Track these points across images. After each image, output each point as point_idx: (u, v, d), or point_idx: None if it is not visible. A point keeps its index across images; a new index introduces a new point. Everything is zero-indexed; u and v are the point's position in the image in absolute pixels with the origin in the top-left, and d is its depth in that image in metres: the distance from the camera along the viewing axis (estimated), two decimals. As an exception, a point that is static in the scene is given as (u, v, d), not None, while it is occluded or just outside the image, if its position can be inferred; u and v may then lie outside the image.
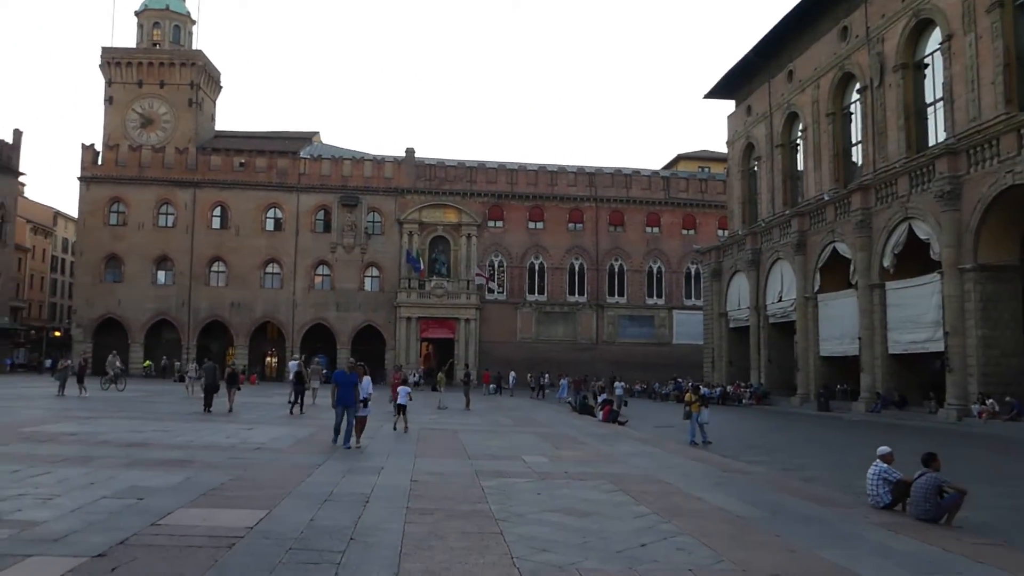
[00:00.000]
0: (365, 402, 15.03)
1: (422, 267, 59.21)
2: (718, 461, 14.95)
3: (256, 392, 37.07)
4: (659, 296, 63.14)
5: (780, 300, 41.72)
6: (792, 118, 43.50)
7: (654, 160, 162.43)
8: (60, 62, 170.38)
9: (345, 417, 14.64)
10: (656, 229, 63.38)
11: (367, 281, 60.57)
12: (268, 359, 61.63)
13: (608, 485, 11.07)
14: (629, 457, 14.99)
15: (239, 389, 25.51)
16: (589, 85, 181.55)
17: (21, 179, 67.48)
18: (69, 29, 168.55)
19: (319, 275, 60.46)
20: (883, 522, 9.01)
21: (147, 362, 57.49)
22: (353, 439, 14.67)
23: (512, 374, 48.75)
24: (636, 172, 64.86)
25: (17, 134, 65.15)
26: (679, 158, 74.89)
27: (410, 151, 62.14)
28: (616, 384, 33.74)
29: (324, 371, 33.00)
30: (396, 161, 61.93)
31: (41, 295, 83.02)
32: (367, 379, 15.34)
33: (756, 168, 48.11)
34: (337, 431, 14.83)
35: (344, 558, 6.45)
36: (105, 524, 7.35)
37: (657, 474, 12.54)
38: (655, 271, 63.25)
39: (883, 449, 10.37)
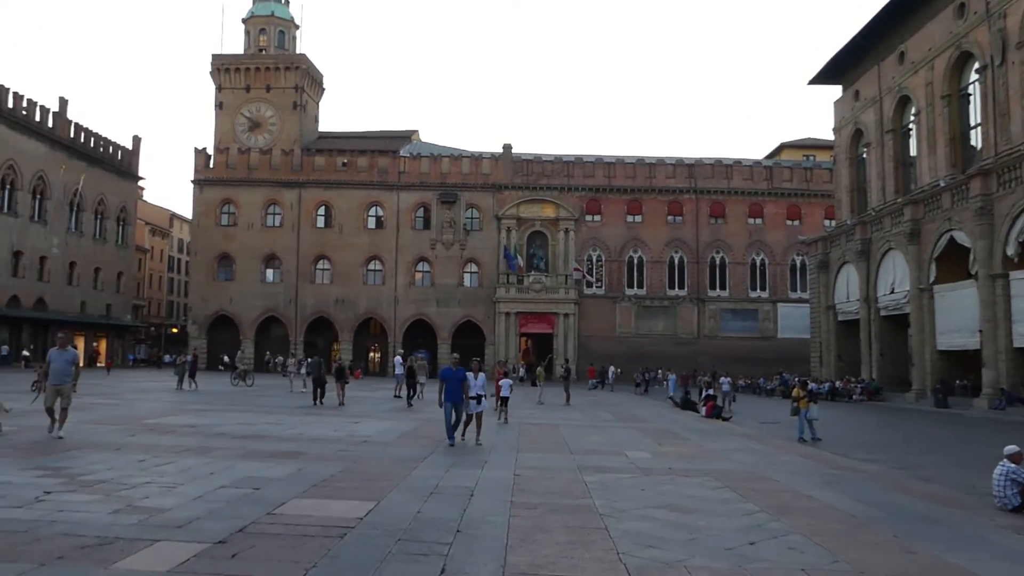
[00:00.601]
0: (479, 398, 14.75)
1: (520, 264, 59.51)
2: (828, 459, 14.47)
3: (360, 387, 38.06)
4: (763, 289, 61.54)
5: (892, 292, 39.98)
6: (904, 102, 41.58)
7: (756, 150, 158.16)
8: (174, 70, 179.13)
9: (453, 413, 14.26)
10: (759, 220, 61.77)
11: (466, 277, 61.33)
12: (371, 354, 63.23)
13: (713, 482, 10.87)
14: (734, 453, 14.68)
15: (347, 383, 26.35)
16: (688, 75, 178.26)
17: (140, 183, 71.39)
18: (182, 39, 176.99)
19: (419, 271, 61.59)
20: (1011, 525, 8.52)
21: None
22: (458, 435, 14.41)
23: (612, 369, 48.44)
24: (737, 162, 63.37)
25: (136, 140, 68.93)
26: (782, 147, 72.71)
27: (507, 147, 62.50)
28: (723, 379, 33.03)
29: (427, 366, 33.83)
30: (494, 157, 62.41)
31: (159, 294, 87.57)
32: (482, 375, 15.02)
33: (865, 155, 46.23)
34: (450, 432, 14.30)
35: (451, 550, 6.55)
36: (224, 512, 7.69)
37: (764, 471, 12.24)
38: (758, 263, 61.66)
39: (1011, 448, 9.80)
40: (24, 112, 53.76)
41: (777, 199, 61.83)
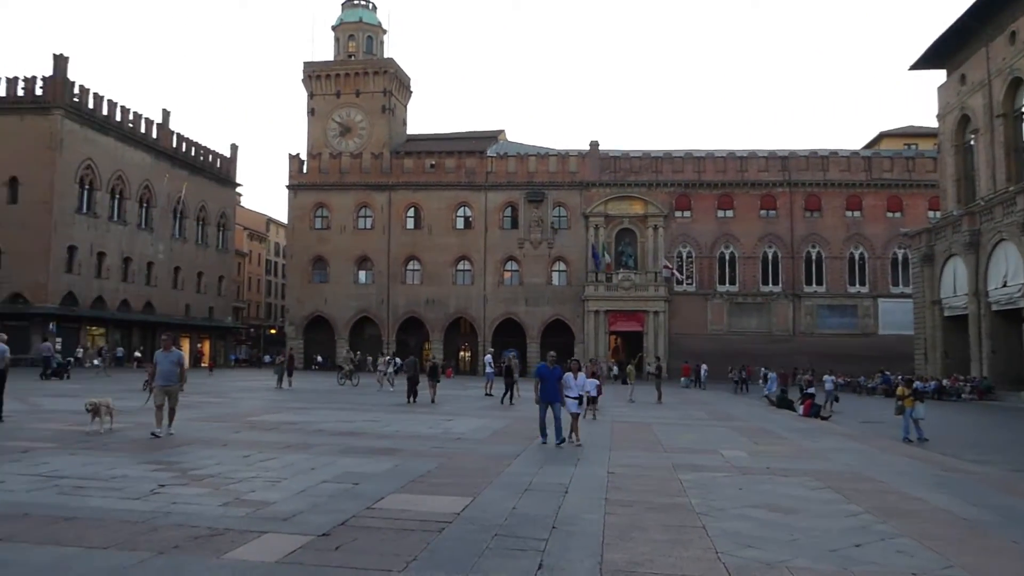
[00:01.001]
0: (581, 399, 14.48)
1: (607, 261, 59.16)
2: (937, 460, 13.87)
3: (451, 385, 38.55)
4: (862, 284, 59.42)
5: (1005, 285, 37.96)
6: (1016, 84, 39.43)
7: (853, 140, 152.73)
8: (268, 79, 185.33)
9: (550, 412, 14.00)
10: (857, 213, 59.68)
11: (555, 275, 61.36)
12: (462, 353, 63.96)
13: (814, 482, 10.58)
14: (835, 453, 14.24)
15: (439, 381, 26.82)
16: (781, 65, 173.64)
17: (238, 190, 74.14)
18: (275, 49, 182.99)
19: (508, 271, 61.95)
20: None
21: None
22: (554, 434, 13.93)
23: (704, 367, 47.65)
24: (834, 153, 61.37)
25: (234, 148, 71.66)
26: (881, 136, 70.05)
27: (594, 144, 62.22)
28: (826, 378, 32.00)
29: (519, 365, 34.03)
30: (580, 155, 62.24)
31: (258, 296, 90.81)
32: (582, 375, 14.75)
33: (972, 142, 44.04)
34: (543, 429, 14.17)
35: (547, 546, 6.59)
36: (327, 506, 7.93)
37: (868, 472, 11.83)
38: (857, 257, 59.58)
39: None
40: (131, 125, 56.60)
41: (877, 190, 59.60)
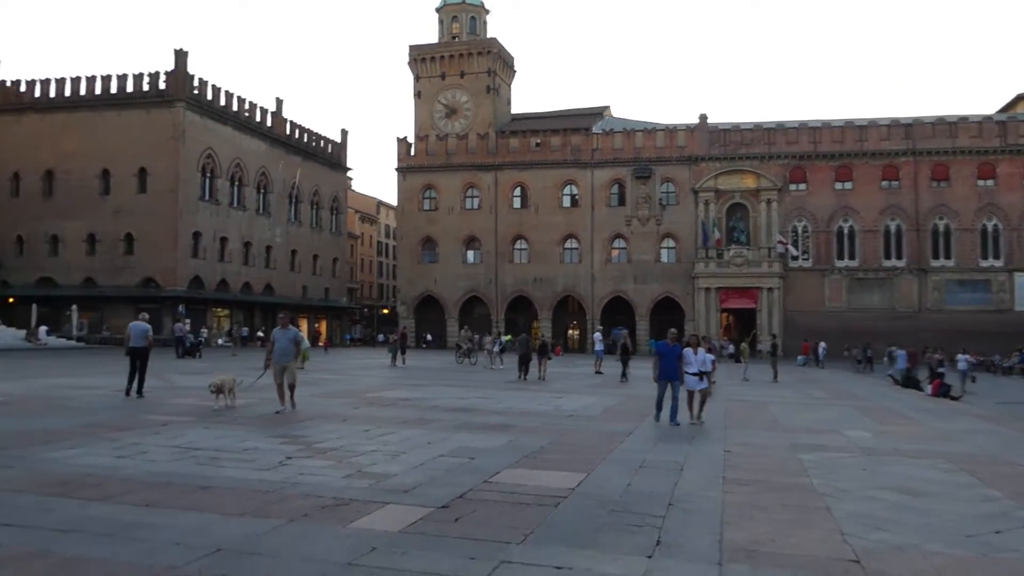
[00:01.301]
0: (702, 375, 14.02)
1: (718, 236, 57.85)
2: (1084, 443, 12.99)
3: (561, 363, 38.70)
4: (995, 257, 55.94)
5: None
6: None
7: (985, 104, 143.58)
8: (375, 64, 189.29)
9: (669, 391, 13.62)
10: (990, 182, 56.12)
11: (663, 252, 60.49)
12: (570, 331, 64.04)
13: (946, 464, 10.10)
14: (969, 435, 13.54)
15: (550, 359, 27.04)
16: (902, 27, 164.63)
17: (349, 174, 76.27)
18: (381, 34, 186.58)
19: (616, 248, 61.48)
20: None
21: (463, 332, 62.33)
22: (668, 413, 13.57)
23: (822, 345, 46.04)
24: (963, 119, 57.84)
25: (344, 133, 73.68)
26: (1018, 99, 65.46)
27: (703, 117, 60.76)
28: (959, 357, 30.37)
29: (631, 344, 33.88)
30: (689, 129, 60.93)
31: (370, 277, 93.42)
32: (702, 351, 14.33)
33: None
34: (659, 406, 13.76)
35: (665, 523, 6.56)
36: (445, 479, 8.14)
37: (1007, 455, 11.20)
38: (990, 229, 56.09)
39: None
40: (247, 114, 58.99)
41: (1013, 157, 55.83)
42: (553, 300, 62.32)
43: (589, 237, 61.28)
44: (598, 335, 31.75)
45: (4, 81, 56.32)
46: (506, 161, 63.25)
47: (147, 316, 17.51)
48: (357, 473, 8.35)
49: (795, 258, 57.56)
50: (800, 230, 58.22)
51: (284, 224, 63.38)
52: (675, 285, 59.56)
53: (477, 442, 10.85)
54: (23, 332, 46.48)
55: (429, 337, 62.69)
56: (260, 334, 53.88)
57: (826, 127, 58.77)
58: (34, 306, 50.30)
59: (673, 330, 14.41)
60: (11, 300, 53.16)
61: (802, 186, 58.35)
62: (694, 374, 13.97)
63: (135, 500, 6.80)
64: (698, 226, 58.75)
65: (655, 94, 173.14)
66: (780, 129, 59.28)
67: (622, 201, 61.10)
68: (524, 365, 25.55)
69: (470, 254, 64.39)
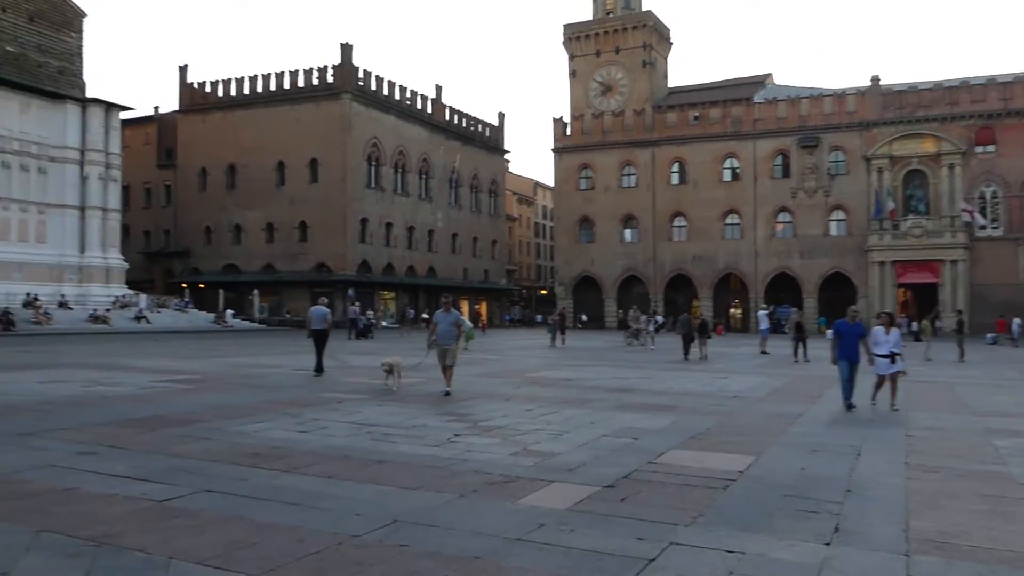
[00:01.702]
0: (892, 357, 12.54)
1: (893, 206, 54.30)
2: None
3: (723, 343, 37.76)
4: None
5: None
6: None
7: None
8: (529, 47, 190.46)
9: (849, 373, 12.53)
10: None
11: (832, 225, 57.58)
12: (732, 310, 62.31)
13: None
14: None
15: (710, 338, 26.51)
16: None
17: (506, 156, 77.33)
18: (535, 16, 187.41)
19: (780, 222, 59.13)
20: None
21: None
22: (844, 395, 12.63)
23: (1017, 322, 42.36)
24: None
25: (501, 117, 74.69)
26: None
27: (875, 79, 57.08)
28: None
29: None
30: (859, 92, 57.43)
31: (528, 258, 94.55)
32: (895, 331, 12.81)
33: None
34: (846, 390, 12.58)
35: (843, 509, 6.26)
36: (609, 459, 8.13)
37: None
38: None
39: None
40: (408, 102, 61.00)
41: None
42: (714, 278, 60.79)
43: (751, 212, 59.23)
44: (763, 313, 30.65)
45: (191, 84, 61.02)
46: (663, 136, 62.10)
47: (326, 300, 18.92)
48: (523, 451, 8.50)
49: (983, 227, 53.16)
50: (988, 196, 53.69)
51: (445, 208, 65.22)
52: (846, 259, 56.55)
53: (640, 422, 10.77)
54: (212, 315, 50.51)
55: (584, 317, 62.78)
56: (425, 315, 55.93)
57: (1018, 81, 53.67)
58: (221, 291, 54.62)
59: (854, 307, 13.31)
60: (201, 286, 57.88)
61: (990, 148, 53.68)
62: (885, 356, 12.57)
63: (317, 472, 7.24)
64: (871, 196, 55.40)
65: (821, 58, 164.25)
66: (964, 87, 54.74)
67: (786, 173, 58.59)
68: (686, 345, 25.18)
69: (627, 233, 63.84)
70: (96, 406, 11.70)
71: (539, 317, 72.95)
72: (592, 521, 5.75)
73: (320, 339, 17.36)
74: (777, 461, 8.22)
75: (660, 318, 36.60)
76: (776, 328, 38.18)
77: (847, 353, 12.58)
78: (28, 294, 42.44)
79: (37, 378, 15.84)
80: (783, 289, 57.90)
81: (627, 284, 63.93)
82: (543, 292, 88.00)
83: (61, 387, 14.21)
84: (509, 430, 9.95)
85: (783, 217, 59.07)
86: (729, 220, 60.58)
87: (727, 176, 60.70)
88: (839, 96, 58.04)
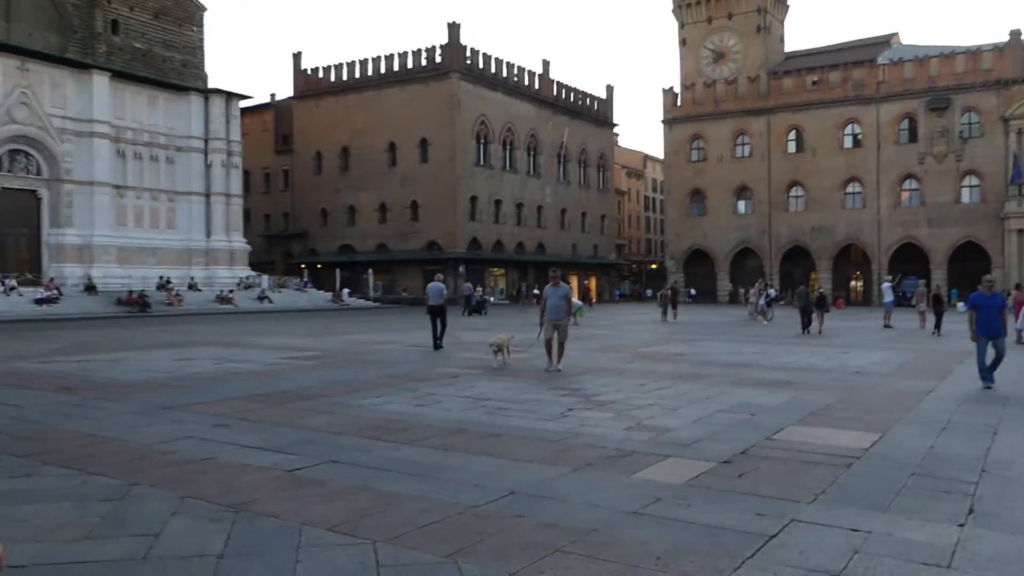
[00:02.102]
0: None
1: (1026, 173, 50.85)
2: None
3: (843, 317, 36.44)
4: None
5: None
6: None
7: None
8: (638, 17, 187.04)
9: (989, 349, 11.67)
10: None
11: (964, 192, 54.43)
12: (852, 283, 59.98)
13: None
14: None
15: (828, 312, 25.79)
16: None
17: (615, 130, 76.50)
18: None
19: (905, 190, 56.37)
20: None
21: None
22: (982, 371, 11.77)
23: None
24: None
25: (609, 90, 73.88)
26: None
27: (1015, 33, 53.37)
28: None
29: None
30: (996, 49, 53.80)
31: (637, 232, 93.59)
32: None
33: None
34: (984, 372, 11.73)
35: (977, 490, 5.99)
36: (725, 435, 8.03)
37: None
38: None
39: None
40: (516, 79, 61.13)
41: None
42: (833, 250, 58.60)
43: (874, 179, 56.64)
44: (887, 286, 29.34)
45: (305, 70, 63.06)
46: (779, 104, 60.04)
47: (442, 277, 19.52)
48: (636, 426, 8.50)
49: None
50: None
51: (553, 184, 65.23)
52: (979, 228, 53.39)
53: (757, 398, 10.58)
54: (329, 294, 52.41)
55: (692, 292, 61.61)
56: (536, 291, 56.34)
57: None
58: (337, 271, 56.60)
59: (989, 276, 12.41)
60: (319, 266, 60.11)
61: None
62: None
63: (435, 444, 7.47)
64: (1008, 160, 51.97)
65: (953, 14, 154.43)
66: (1116, 38, 50.50)
67: (913, 137, 55.69)
68: (805, 319, 24.53)
69: (741, 204, 62.28)
70: (227, 382, 12.40)
71: (649, 292, 72.23)
72: (709, 496, 5.72)
73: (438, 315, 17.86)
74: (904, 439, 7.93)
75: (772, 291, 35.43)
76: (902, 301, 36.53)
77: (988, 329, 11.64)
78: (161, 277, 45.14)
79: (172, 356, 16.89)
80: (908, 260, 55.23)
81: (740, 257, 62.43)
82: (653, 267, 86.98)
83: (194, 364, 15.11)
84: (622, 405, 9.96)
85: (909, 184, 56.24)
86: (850, 189, 58.16)
87: (848, 143, 58.21)
88: (973, 53, 54.53)
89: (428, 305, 18.06)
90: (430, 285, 18.41)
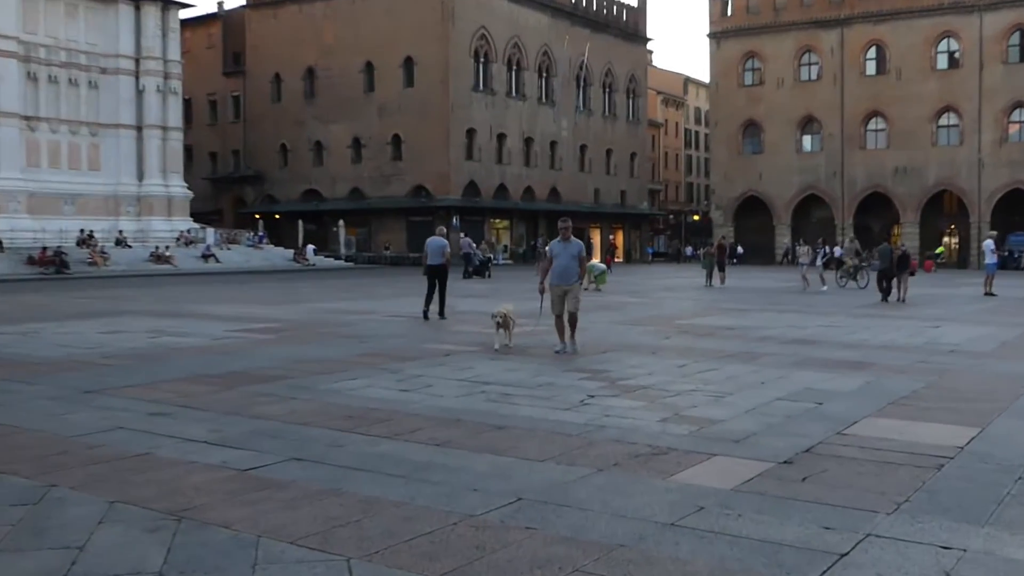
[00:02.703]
0: None
1: None
2: None
3: (934, 281, 36.38)
4: None
5: None
6: None
7: None
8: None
9: None
10: None
11: (1089, 125, 54.08)
12: (946, 238, 59.85)
13: None
14: None
15: (912, 275, 25.80)
16: None
17: (648, 46, 75.98)
18: None
19: (1014, 122, 56.08)
20: None
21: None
22: None
23: None
24: None
25: (642, -3, 73.21)
26: None
27: None
28: None
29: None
30: None
31: (676, 175, 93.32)
32: None
33: None
34: None
35: (1099, 498, 6.01)
36: (784, 428, 8.06)
37: None
38: None
39: None
40: (524, -20, 60.58)
41: None
42: (921, 197, 58.48)
43: (975, 109, 56.30)
44: (989, 243, 29.18)
45: (259, -31, 62.54)
46: (855, 13, 59.48)
47: (444, 230, 19.71)
48: (674, 416, 8.53)
49: None
50: None
51: (571, 114, 64.91)
52: (1107, 170, 53.12)
53: (824, 383, 10.62)
54: (291, 252, 52.54)
55: (740, 250, 61.28)
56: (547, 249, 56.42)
57: None
58: (300, 222, 56.63)
59: None
60: (277, 216, 60.18)
61: None
62: None
63: (425, 438, 7.51)
64: None
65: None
66: None
67: (1024, 55, 55.25)
68: (884, 284, 24.54)
69: (806, 140, 62.06)
70: (165, 360, 12.47)
71: (689, 250, 72.15)
72: (765, 505, 5.74)
73: (437, 276, 17.99)
74: (1010, 434, 7.96)
75: (834, 249, 35.03)
76: (1007, 262, 36.44)
77: None
78: (82, 231, 45.26)
79: (97, 327, 16.98)
80: (1016, 211, 55.03)
81: (805, 206, 62.29)
82: (695, 218, 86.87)
83: (124, 338, 15.19)
84: (657, 391, 10.00)
85: (1019, 115, 55.87)
86: (943, 121, 57.86)
87: (942, 63, 57.78)
88: (1102, -52, 53.88)
89: (427, 265, 18.14)
90: (430, 240, 18.50)
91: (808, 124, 61.83)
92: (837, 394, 9.88)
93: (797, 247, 37.47)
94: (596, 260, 41.86)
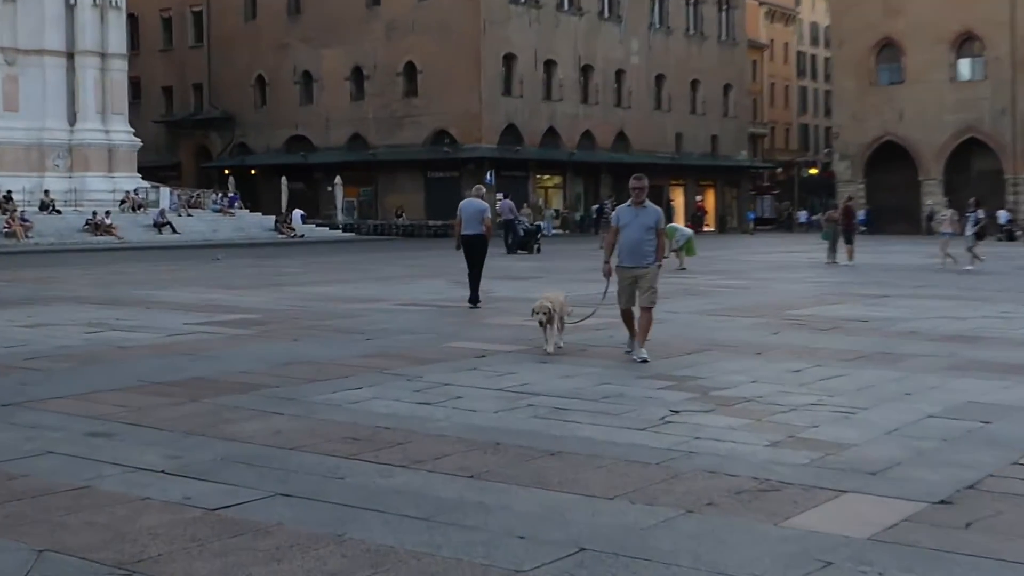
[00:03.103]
0: None
1: None
2: None
3: None
4: None
5: None
6: None
7: None
8: None
9: None
10: None
11: None
12: None
13: None
14: None
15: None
16: None
17: (749, -60, 75.40)
18: None
19: None
20: None
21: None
22: None
23: None
24: None
25: None
26: None
27: None
28: None
29: None
30: None
31: (785, 114, 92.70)
32: None
33: None
34: None
35: None
36: (940, 456, 7.96)
37: None
38: None
39: None
40: None
41: None
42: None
43: None
44: None
45: None
46: None
47: (483, 190, 19.79)
48: (788, 440, 8.47)
49: None
50: None
51: (643, 34, 64.63)
52: None
53: (992, 394, 10.53)
54: (271, 218, 52.70)
55: (862, 215, 60.42)
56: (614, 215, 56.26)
57: None
58: (283, 179, 56.77)
59: None
60: (253, 172, 60.45)
61: None
62: None
63: (453, 467, 7.49)
64: None
65: None
66: None
67: None
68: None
69: (963, 65, 61.48)
70: (108, 362, 12.57)
71: (804, 215, 71.69)
72: (914, 559, 5.67)
73: (474, 249, 18.14)
74: None
75: (999, 213, 34.31)
76: None
77: None
78: (-4, 190, 45.71)
79: (17, 319, 17.12)
80: None
81: (962, 155, 61.51)
82: (812, 172, 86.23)
83: (54, 333, 15.32)
84: (763, 404, 9.98)
85: None
86: None
87: None
88: None
89: (460, 235, 18.34)
90: (464, 202, 18.66)
91: (966, 43, 60.98)
92: (1012, 410, 9.78)
93: (934, 211, 36.72)
94: (678, 223, 41.66)
